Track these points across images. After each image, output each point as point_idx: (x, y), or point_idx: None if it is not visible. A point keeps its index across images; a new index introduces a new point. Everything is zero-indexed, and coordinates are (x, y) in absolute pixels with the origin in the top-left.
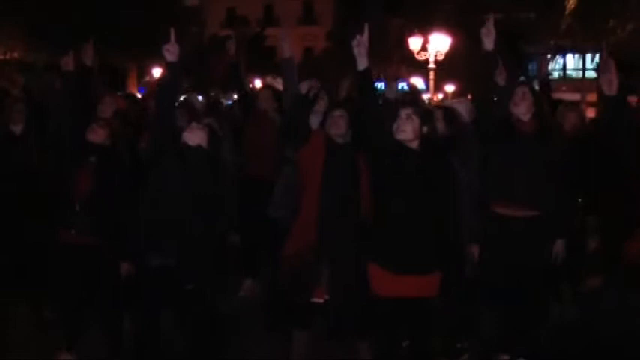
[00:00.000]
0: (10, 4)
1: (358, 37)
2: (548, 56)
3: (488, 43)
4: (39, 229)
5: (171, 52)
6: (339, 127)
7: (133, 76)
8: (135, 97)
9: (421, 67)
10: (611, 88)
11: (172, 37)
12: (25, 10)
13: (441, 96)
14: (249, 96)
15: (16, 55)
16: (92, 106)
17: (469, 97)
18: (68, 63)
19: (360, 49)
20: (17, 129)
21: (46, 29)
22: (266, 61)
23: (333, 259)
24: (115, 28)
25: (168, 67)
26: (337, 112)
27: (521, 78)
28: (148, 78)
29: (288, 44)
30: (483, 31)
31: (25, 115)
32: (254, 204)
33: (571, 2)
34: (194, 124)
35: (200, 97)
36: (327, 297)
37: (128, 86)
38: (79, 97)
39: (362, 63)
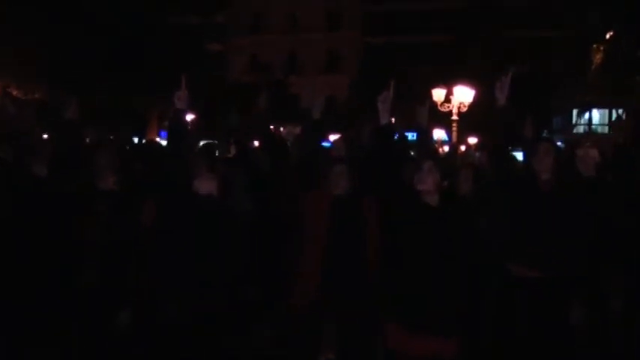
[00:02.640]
0: (31, 44)
1: (384, 92)
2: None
3: (502, 97)
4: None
5: (181, 99)
6: (338, 187)
7: (154, 121)
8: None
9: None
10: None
11: (183, 84)
12: (46, 51)
13: (463, 148)
14: (279, 144)
15: (36, 95)
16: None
17: None
18: (74, 112)
19: (385, 105)
20: (42, 171)
21: (67, 70)
22: (288, 109)
23: (339, 315)
24: (137, 72)
25: (175, 113)
26: (337, 169)
27: (545, 133)
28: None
29: (320, 107)
30: (497, 85)
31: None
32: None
33: (597, 57)
34: (205, 173)
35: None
36: (332, 356)
37: (149, 131)
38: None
39: (384, 117)
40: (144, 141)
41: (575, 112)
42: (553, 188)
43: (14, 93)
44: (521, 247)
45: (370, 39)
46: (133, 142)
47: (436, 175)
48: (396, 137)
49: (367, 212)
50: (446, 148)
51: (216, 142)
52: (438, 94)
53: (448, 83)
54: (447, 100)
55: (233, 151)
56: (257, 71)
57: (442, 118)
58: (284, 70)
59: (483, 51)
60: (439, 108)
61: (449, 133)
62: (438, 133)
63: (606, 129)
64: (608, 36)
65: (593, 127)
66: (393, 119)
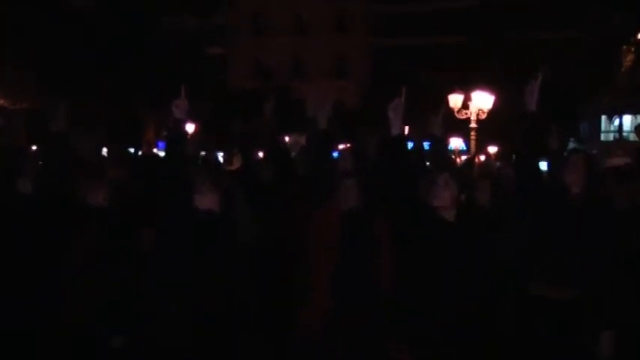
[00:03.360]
0: (20, 50)
1: (396, 100)
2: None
3: (532, 103)
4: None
5: (180, 108)
6: (347, 202)
7: (151, 129)
8: None
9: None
10: None
11: (183, 92)
12: (37, 56)
13: (483, 157)
14: (285, 155)
15: (25, 105)
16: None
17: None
18: (60, 124)
19: (397, 114)
20: (27, 187)
21: (57, 77)
22: (293, 116)
23: (350, 340)
24: (132, 79)
25: (174, 123)
26: (347, 183)
27: (571, 143)
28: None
29: (327, 115)
30: (527, 89)
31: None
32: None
33: (628, 59)
34: (206, 186)
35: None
36: None
37: (145, 142)
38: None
39: (396, 128)
40: (140, 152)
41: (603, 117)
42: (585, 203)
43: (0, 102)
44: (549, 265)
45: (381, 41)
46: (129, 153)
47: (453, 189)
48: (410, 148)
49: (378, 229)
50: (464, 158)
51: (218, 153)
52: (455, 99)
53: (465, 88)
54: (465, 106)
55: (236, 162)
56: (260, 76)
57: (460, 126)
58: (289, 75)
59: (502, 54)
60: (456, 115)
61: (467, 141)
62: (456, 142)
63: None
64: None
65: (625, 134)
66: (407, 128)
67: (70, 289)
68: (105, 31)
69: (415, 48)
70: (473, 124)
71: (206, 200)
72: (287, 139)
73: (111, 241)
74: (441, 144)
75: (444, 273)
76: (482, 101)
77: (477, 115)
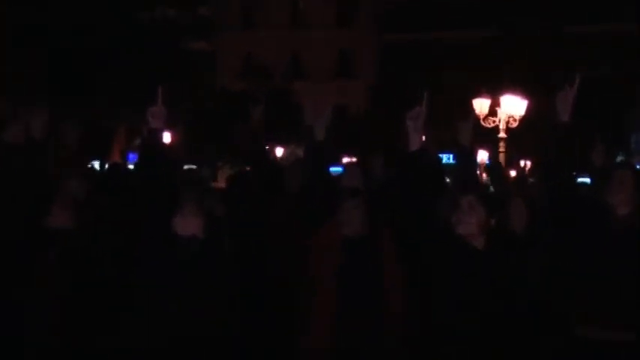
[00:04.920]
0: None
1: (417, 107)
2: None
3: (565, 113)
4: None
5: (156, 116)
6: (350, 226)
7: (120, 139)
8: None
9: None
10: None
11: (159, 97)
12: None
13: (513, 173)
14: (275, 170)
15: None
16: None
17: None
18: (18, 135)
19: (417, 124)
20: None
21: (16, 78)
22: (290, 123)
23: None
24: (101, 79)
25: (149, 133)
26: (350, 204)
27: (620, 155)
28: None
29: (325, 123)
30: (560, 96)
31: None
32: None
33: None
34: (187, 208)
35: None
36: None
37: (113, 152)
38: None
39: (415, 141)
40: (107, 165)
41: None
42: (633, 225)
43: None
44: (594, 300)
45: (389, 36)
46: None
47: (480, 213)
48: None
49: (387, 258)
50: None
51: (201, 167)
52: (481, 105)
53: (493, 92)
54: (493, 112)
55: (221, 178)
56: (252, 75)
57: (486, 136)
58: (285, 75)
59: (536, 51)
60: (482, 123)
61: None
62: (481, 155)
63: None
64: None
65: None
66: (424, 137)
67: (33, 331)
68: (71, 23)
69: (429, 43)
70: (502, 134)
71: (188, 225)
72: (282, 150)
73: (76, 270)
74: (468, 158)
75: (471, 310)
76: (513, 107)
77: (507, 123)
